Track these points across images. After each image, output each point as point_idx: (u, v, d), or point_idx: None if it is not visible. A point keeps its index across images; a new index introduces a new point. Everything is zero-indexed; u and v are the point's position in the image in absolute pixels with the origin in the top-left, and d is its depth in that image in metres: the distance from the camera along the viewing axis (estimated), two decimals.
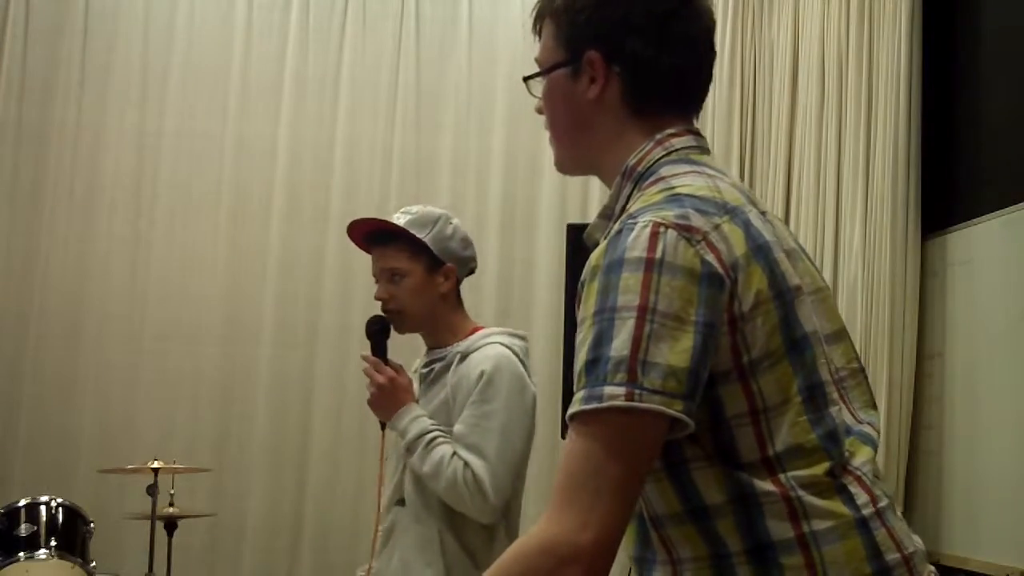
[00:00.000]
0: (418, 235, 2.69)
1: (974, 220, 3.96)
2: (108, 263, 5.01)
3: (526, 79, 1.58)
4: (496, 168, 5.11)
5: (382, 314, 2.75)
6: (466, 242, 2.77)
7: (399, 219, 2.74)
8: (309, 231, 5.06)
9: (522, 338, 2.77)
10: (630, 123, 1.50)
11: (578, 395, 1.29)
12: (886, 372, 4.13)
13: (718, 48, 4.89)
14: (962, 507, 3.94)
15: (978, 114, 4.07)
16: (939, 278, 4.19)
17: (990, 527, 3.76)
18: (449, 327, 2.75)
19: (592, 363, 1.28)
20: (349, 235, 2.80)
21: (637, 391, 1.25)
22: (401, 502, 2.67)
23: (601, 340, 1.28)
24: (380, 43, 5.18)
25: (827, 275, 4.42)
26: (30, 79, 5.03)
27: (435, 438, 2.60)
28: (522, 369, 2.68)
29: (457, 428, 2.61)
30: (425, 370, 2.76)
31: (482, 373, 2.61)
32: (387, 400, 2.67)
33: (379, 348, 2.73)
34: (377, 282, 2.76)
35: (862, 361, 1.56)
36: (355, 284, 4.98)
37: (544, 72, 1.54)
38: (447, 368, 2.69)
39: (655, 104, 1.50)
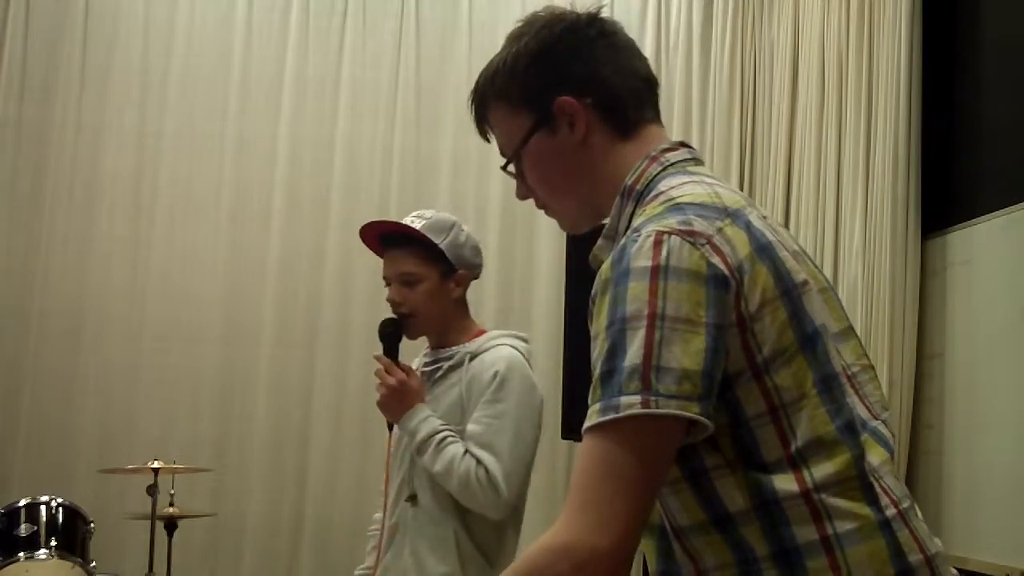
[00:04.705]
0: (435, 240, 2.71)
1: (974, 220, 3.95)
2: (108, 263, 5.00)
3: (504, 168, 1.58)
4: (496, 168, 5.07)
5: (395, 316, 2.76)
6: (476, 249, 2.81)
7: (414, 223, 2.74)
8: (309, 231, 5.06)
9: (526, 341, 2.81)
10: (619, 147, 1.51)
11: (594, 407, 1.29)
12: (886, 372, 4.12)
13: (718, 48, 4.99)
14: (962, 507, 3.93)
15: (978, 114, 4.06)
16: (939, 278, 4.18)
17: (990, 527, 3.76)
18: (457, 330, 2.79)
19: (607, 375, 1.28)
20: (361, 236, 2.81)
21: (653, 398, 1.25)
22: (412, 499, 2.69)
23: (615, 352, 1.28)
24: (380, 43, 5.18)
25: (827, 275, 4.40)
26: (30, 79, 5.03)
27: (445, 438, 2.62)
28: (530, 371, 2.72)
29: (470, 427, 2.64)
30: (430, 368, 2.77)
31: (495, 373, 2.65)
32: (397, 402, 2.69)
33: (391, 349, 2.75)
34: (388, 285, 2.77)
35: None
36: (355, 284, 4.98)
37: (523, 143, 1.54)
38: (455, 368, 2.72)
39: (632, 115, 1.52)
